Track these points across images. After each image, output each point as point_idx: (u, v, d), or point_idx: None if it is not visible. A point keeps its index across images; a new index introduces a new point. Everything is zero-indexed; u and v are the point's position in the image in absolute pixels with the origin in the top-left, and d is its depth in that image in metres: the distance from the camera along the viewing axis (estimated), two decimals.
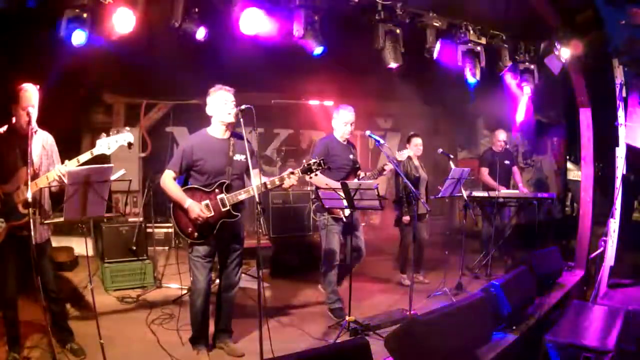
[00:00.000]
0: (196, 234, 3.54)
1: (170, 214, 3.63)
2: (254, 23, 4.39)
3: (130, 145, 3.47)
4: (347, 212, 4.38)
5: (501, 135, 6.63)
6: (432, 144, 5.91)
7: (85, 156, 3.31)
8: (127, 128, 3.49)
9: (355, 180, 4.52)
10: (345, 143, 4.71)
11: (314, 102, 8.20)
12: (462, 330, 3.38)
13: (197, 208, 3.47)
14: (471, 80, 5.54)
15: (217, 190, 3.55)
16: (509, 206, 6.63)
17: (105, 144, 3.40)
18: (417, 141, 5.85)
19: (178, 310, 4.54)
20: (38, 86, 3.36)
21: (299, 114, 8.48)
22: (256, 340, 3.07)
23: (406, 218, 5.62)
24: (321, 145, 4.68)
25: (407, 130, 8.87)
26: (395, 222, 5.90)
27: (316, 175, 3.72)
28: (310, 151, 5.94)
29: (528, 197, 6.43)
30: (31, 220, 2.98)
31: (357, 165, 4.76)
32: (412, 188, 4.50)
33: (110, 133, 3.43)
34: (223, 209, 3.54)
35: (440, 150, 5.81)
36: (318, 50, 4.63)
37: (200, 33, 4.38)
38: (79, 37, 3.80)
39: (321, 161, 3.64)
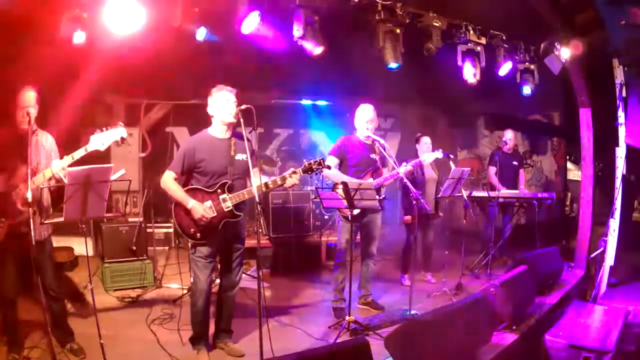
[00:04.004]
0: (199, 234, 3.54)
1: (172, 215, 3.62)
2: (255, 25, 4.39)
3: (123, 139, 3.45)
4: (355, 210, 4.34)
5: (508, 134, 6.69)
6: (432, 143, 5.92)
7: (79, 152, 3.31)
8: (121, 123, 3.45)
9: (370, 179, 4.49)
10: (368, 142, 4.66)
11: (313, 102, 8.20)
12: (462, 330, 3.38)
13: (201, 208, 3.47)
14: (471, 80, 5.55)
15: (219, 191, 3.54)
16: (510, 206, 6.64)
17: (99, 140, 3.37)
18: (427, 140, 5.85)
19: (178, 310, 4.55)
20: (37, 87, 3.37)
21: (299, 114, 8.47)
22: (256, 340, 3.07)
23: (407, 217, 5.62)
24: (338, 142, 4.69)
25: (407, 130, 8.90)
26: (401, 222, 5.88)
27: (328, 169, 3.79)
28: None
29: (528, 197, 6.43)
30: (31, 219, 2.98)
31: (378, 165, 4.69)
32: (412, 188, 4.49)
33: (104, 129, 3.42)
34: (226, 210, 3.53)
35: (440, 150, 5.80)
36: (317, 50, 4.62)
37: (201, 34, 4.37)
38: (79, 37, 3.81)
39: (321, 160, 3.64)
